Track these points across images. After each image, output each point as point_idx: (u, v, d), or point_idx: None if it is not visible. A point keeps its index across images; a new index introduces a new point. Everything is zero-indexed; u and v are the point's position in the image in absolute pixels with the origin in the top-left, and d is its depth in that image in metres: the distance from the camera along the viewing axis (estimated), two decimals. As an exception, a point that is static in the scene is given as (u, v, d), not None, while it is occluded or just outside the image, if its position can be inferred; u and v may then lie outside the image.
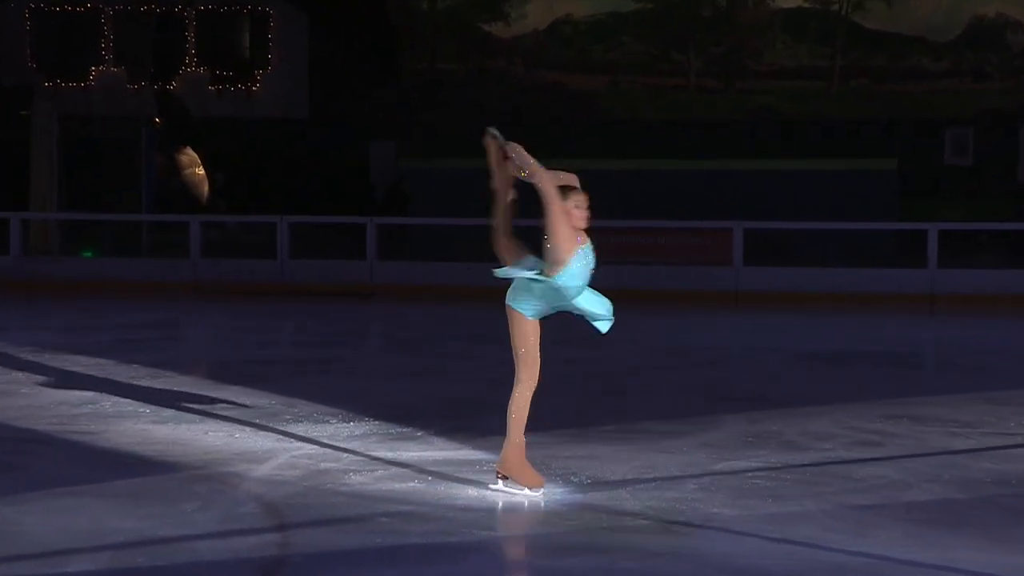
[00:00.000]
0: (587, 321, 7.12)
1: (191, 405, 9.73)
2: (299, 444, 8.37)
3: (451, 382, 11.48)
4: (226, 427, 8.90)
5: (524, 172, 6.86)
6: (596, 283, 7.05)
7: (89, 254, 22.06)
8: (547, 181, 6.81)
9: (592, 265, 6.93)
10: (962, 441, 8.69)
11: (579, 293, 6.89)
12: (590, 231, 6.95)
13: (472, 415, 9.55)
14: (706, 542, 6.30)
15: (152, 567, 5.82)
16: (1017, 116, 28.22)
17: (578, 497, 7.03)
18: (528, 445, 7.07)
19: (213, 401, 9.91)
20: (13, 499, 6.90)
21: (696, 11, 30.80)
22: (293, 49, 30.41)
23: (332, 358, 13.18)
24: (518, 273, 6.92)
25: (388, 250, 21.45)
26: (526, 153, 6.94)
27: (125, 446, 8.30)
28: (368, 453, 8.09)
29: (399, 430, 8.85)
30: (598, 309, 7.01)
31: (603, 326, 7.07)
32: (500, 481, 7.07)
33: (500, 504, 6.92)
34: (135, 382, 10.88)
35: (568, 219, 6.81)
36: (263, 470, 7.63)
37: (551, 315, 7.06)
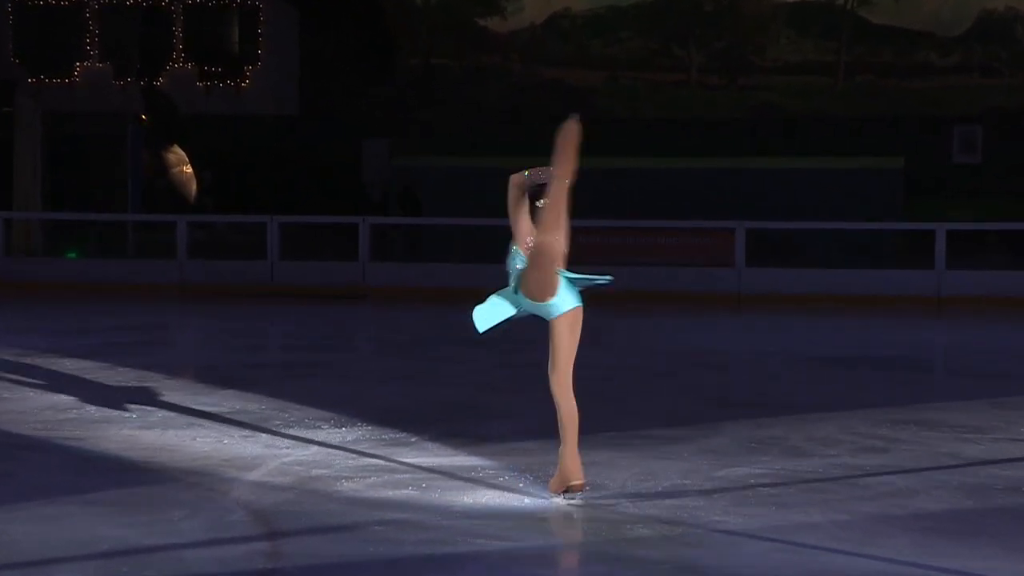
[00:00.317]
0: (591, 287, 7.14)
1: (178, 410, 9.73)
2: (290, 450, 8.37)
3: (446, 386, 11.48)
4: (214, 433, 8.90)
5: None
6: (594, 286, 7.05)
7: (73, 255, 22.06)
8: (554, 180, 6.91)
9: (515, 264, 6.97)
10: (971, 447, 8.70)
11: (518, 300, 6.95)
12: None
13: (467, 420, 9.55)
14: (708, 551, 6.30)
15: (138, 577, 5.81)
16: (1027, 113, 28.28)
17: (576, 505, 7.03)
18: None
19: (201, 406, 9.90)
20: (-5, 507, 6.90)
21: (697, 5, 30.86)
22: (283, 44, 30.42)
23: (323, 362, 13.18)
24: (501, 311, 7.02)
25: (390, 252, 21.49)
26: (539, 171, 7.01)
27: (111, 452, 8.29)
28: (361, 459, 8.09)
29: (392, 435, 8.85)
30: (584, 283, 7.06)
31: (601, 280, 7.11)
32: (567, 491, 7.08)
33: (497, 512, 6.92)
34: (121, 386, 10.88)
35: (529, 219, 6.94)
36: (253, 477, 7.63)
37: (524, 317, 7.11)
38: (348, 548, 6.28)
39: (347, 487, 7.38)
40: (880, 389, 11.60)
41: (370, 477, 7.61)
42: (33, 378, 11.26)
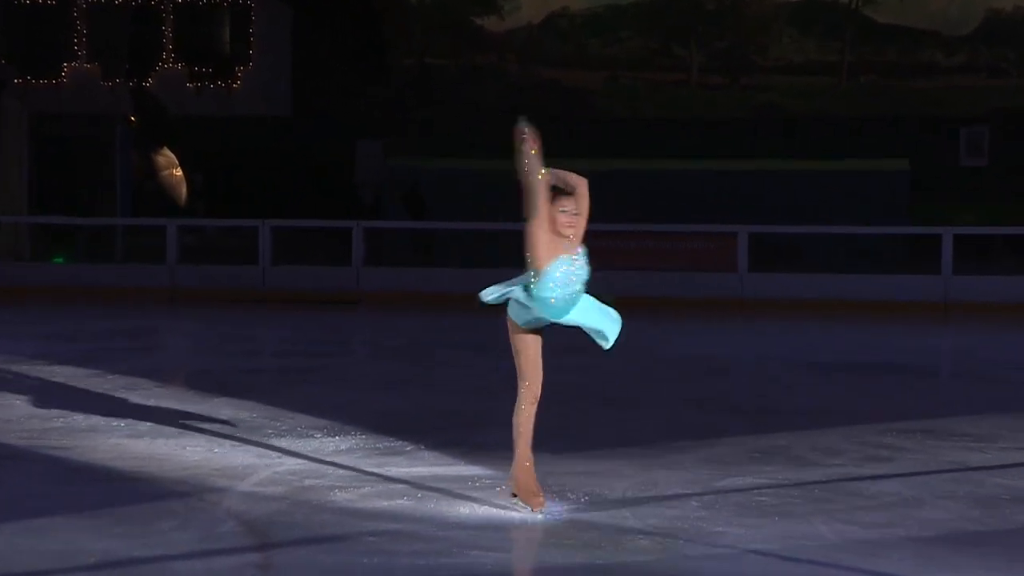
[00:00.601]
0: (590, 336, 7.10)
1: (168, 418, 9.72)
2: (282, 459, 8.37)
3: (442, 393, 11.48)
4: (205, 441, 8.89)
5: (524, 163, 6.82)
6: (591, 291, 7.04)
7: (61, 259, 22.06)
8: (536, 181, 6.77)
9: (581, 276, 6.86)
10: (978, 456, 8.70)
11: (565, 305, 6.83)
12: (586, 239, 6.90)
13: (464, 428, 9.54)
14: (710, 562, 6.30)
15: (127, 589, 5.81)
16: (1035, 114, 28.31)
17: (576, 515, 7.03)
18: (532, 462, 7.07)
19: (191, 414, 9.90)
20: (-19, 518, 6.89)
21: (698, 4, 30.89)
22: (276, 43, 30.42)
23: (317, 368, 13.18)
24: (496, 288, 6.93)
25: (398, 256, 21.49)
26: (535, 156, 6.87)
27: (99, 461, 8.29)
28: (355, 468, 8.08)
29: (387, 444, 8.85)
30: (598, 324, 6.97)
31: (605, 343, 7.03)
32: (514, 498, 7.08)
33: (494, 523, 6.91)
34: (109, 394, 10.87)
35: (550, 224, 6.76)
36: (244, 487, 7.63)
37: (553, 326, 7.03)
38: (341, 559, 6.27)
39: (341, 497, 7.37)
40: (885, 397, 11.61)
41: (364, 487, 7.61)
42: (19, 385, 11.25)
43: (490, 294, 7.00)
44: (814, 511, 7.16)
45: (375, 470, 8.04)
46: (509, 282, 6.96)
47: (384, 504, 7.23)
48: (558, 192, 6.83)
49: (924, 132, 27.58)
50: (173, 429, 9.32)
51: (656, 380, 12.57)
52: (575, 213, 6.82)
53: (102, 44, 30.35)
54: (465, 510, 7.11)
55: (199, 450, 8.62)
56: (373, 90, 30.39)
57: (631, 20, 30.79)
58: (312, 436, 9.10)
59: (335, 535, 6.65)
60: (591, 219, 6.94)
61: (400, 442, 8.89)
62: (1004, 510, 7.27)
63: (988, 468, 8.32)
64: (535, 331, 6.97)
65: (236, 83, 30.12)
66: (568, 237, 6.81)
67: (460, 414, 10.27)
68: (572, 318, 6.90)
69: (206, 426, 9.43)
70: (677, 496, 7.46)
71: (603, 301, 7.08)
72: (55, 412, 9.97)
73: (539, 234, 6.74)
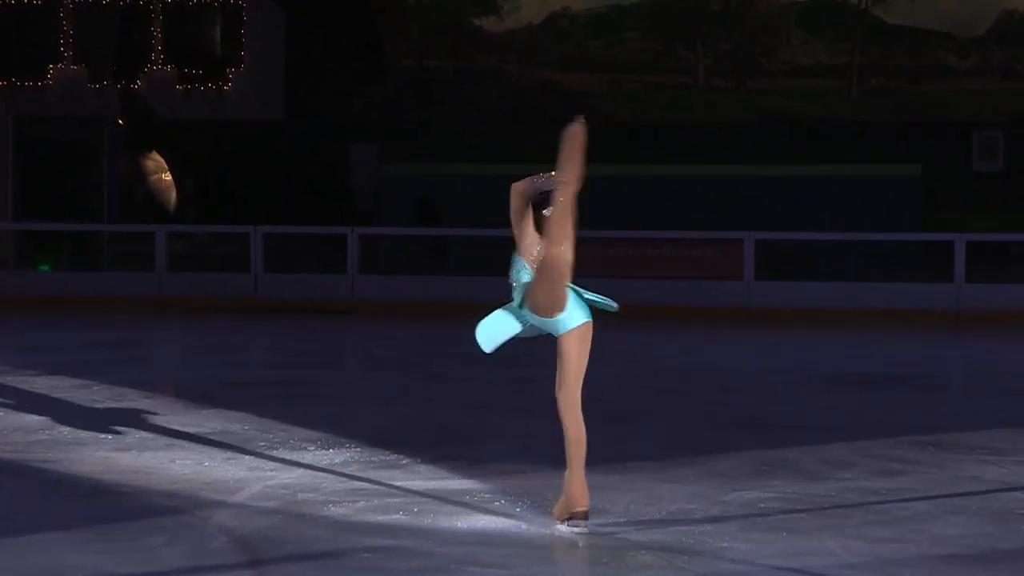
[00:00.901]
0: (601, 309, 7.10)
1: (157, 431, 9.72)
2: (274, 473, 8.37)
3: (439, 405, 11.48)
4: (195, 455, 8.89)
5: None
6: (600, 306, 7.04)
7: (46, 267, 22.05)
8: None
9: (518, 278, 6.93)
10: (992, 470, 8.70)
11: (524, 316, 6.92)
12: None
13: (462, 441, 9.55)
14: (715, 579, 6.30)
15: (114, 607, 5.81)
16: (1051, 118, 28.32)
17: (579, 527, 7.02)
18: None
19: (181, 426, 9.90)
20: (-37, 533, 6.89)
21: (703, 5, 30.90)
22: (268, 45, 30.43)
23: (310, 380, 13.18)
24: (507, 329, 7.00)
25: (412, 264, 21.49)
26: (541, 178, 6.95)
27: (85, 475, 8.28)
28: (349, 482, 8.08)
29: (383, 457, 8.85)
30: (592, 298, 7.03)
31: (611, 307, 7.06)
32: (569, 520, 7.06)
33: (493, 538, 6.91)
34: (96, 406, 10.87)
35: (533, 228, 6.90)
36: (235, 501, 7.63)
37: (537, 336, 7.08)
38: (335, 576, 6.28)
39: (335, 512, 7.37)
40: (896, 408, 11.61)
41: (359, 501, 7.60)
42: (3, 397, 11.25)
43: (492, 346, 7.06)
44: (823, 526, 7.16)
45: (370, 484, 8.03)
46: (504, 315, 7.02)
47: (379, 519, 7.23)
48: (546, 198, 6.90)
49: (936, 136, 27.57)
50: (162, 442, 9.32)
51: (660, 392, 12.57)
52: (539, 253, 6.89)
53: (89, 45, 30.34)
54: (463, 525, 7.11)
55: (188, 463, 8.62)
56: (369, 92, 30.39)
57: (634, 21, 30.79)
58: (305, 449, 9.10)
59: (329, 551, 6.65)
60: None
61: (396, 455, 8.89)
62: (1019, 526, 7.27)
63: (1003, 482, 8.32)
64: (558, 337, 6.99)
65: (227, 85, 30.12)
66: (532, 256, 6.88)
67: (458, 427, 10.27)
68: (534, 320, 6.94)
69: (196, 439, 9.43)
70: (681, 511, 7.46)
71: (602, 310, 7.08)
72: (39, 424, 9.96)
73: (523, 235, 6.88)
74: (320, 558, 6.54)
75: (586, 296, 6.96)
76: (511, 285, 6.97)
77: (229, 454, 8.91)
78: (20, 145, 24.27)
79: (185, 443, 9.29)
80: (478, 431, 10.01)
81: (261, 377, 13.98)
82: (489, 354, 7.11)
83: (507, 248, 7.14)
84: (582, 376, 6.95)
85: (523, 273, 6.90)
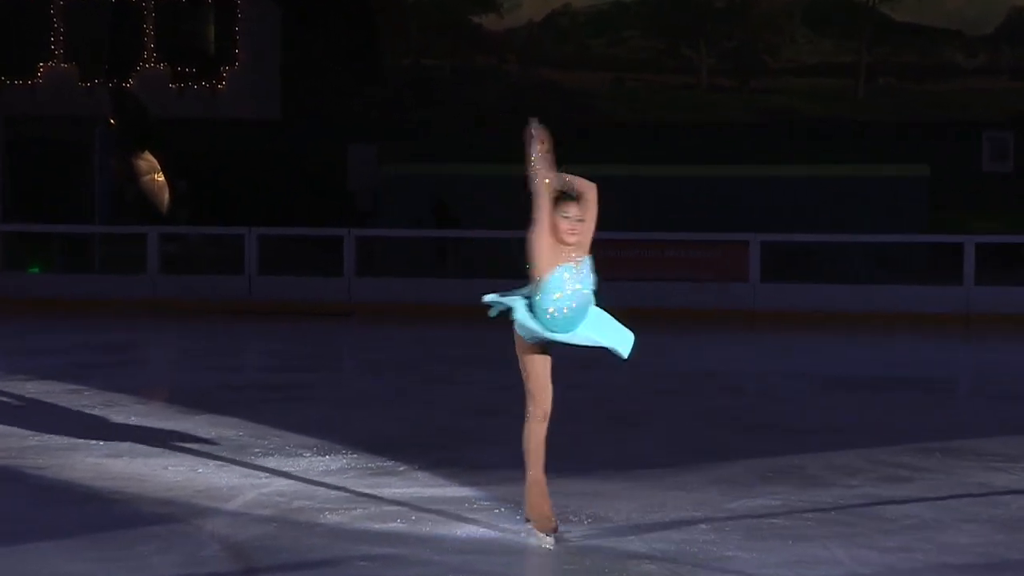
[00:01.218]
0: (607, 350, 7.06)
1: (149, 437, 9.71)
2: (269, 480, 8.36)
3: (437, 410, 11.48)
4: (188, 461, 8.88)
5: (530, 164, 6.79)
6: (599, 303, 7.02)
7: (36, 269, 22.05)
8: (541, 184, 6.73)
9: (585, 287, 6.81)
10: (1003, 477, 8.69)
11: (567, 320, 6.78)
12: (592, 248, 6.85)
13: (461, 447, 9.54)
14: (720, 588, 6.30)
15: (106, 616, 5.80)
16: (1061, 117, 28.32)
17: (578, 539, 7.02)
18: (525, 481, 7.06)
19: (173, 432, 9.89)
20: (-48, 541, 6.88)
21: (707, 2, 30.92)
22: (263, 42, 30.44)
23: (306, 384, 13.17)
24: (508, 301, 6.88)
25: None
26: (543, 154, 6.82)
27: (77, 482, 8.28)
28: (346, 489, 8.08)
29: (380, 464, 8.84)
30: (608, 341, 6.91)
31: (622, 351, 6.98)
32: (527, 521, 7.06)
33: (492, 547, 6.91)
34: (87, 411, 10.86)
35: (552, 231, 6.73)
36: (229, 508, 7.62)
37: (565, 344, 6.99)
38: (332, 585, 6.27)
39: (331, 519, 7.36)
40: (904, 413, 11.60)
41: (356, 509, 7.60)
42: (-7, 402, 11.25)
43: (491, 298, 6.98)
44: (829, 534, 7.15)
45: (367, 491, 8.03)
46: (513, 292, 6.94)
47: (376, 527, 7.22)
48: (563, 197, 6.78)
49: (944, 136, 27.58)
50: (154, 448, 9.31)
51: (663, 396, 12.57)
52: (578, 219, 6.75)
53: (80, 43, 30.37)
54: (462, 533, 7.11)
55: (182, 470, 8.61)
56: (367, 91, 30.42)
57: (636, 19, 30.82)
58: (301, 455, 9.09)
59: (325, 559, 6.64)
60: (598, 227, 6.91)
61: (393, 462, 8.88)
62: (1030, 533, 7.26)
63: (1013, 489, 8.31)
64: (543, 349, 6.93)
65: (221, 84, 30.14)
66: (570, 244, 6.77)
67: (457, 432, 10.27)
68: (579, 334, 6.85)
69: (189, 445, 9.42)
70: (685, 519, 7.45)
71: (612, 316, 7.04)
72: (30, 430, 9.96)
73: (540, 241, 6.71)
74: (316, 567, 6.54)
75: (598, 335, 6.90)
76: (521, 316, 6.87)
77: (223, 460, 8.90)
78: (10, 145, 24.30)
79: (178, 449, 9.28)
80: (477, 436, 10.01)
81: (256, 381, 13.97)
82: (486, 302, 7.02)
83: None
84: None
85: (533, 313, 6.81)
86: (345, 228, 20.99)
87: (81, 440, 9.58)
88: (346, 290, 20.14)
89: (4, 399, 11.40)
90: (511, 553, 6.83)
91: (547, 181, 6.74)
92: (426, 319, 18.83)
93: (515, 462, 8.88)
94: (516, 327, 6.89)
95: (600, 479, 8.38)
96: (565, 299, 6.73)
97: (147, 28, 30.23)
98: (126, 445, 9.41)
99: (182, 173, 27.21)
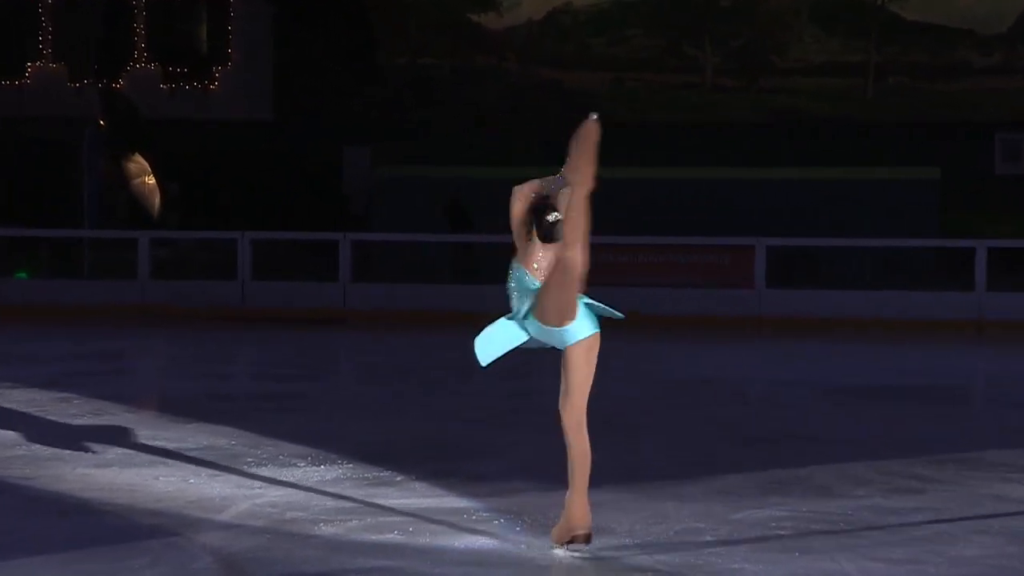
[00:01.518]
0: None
1: (139, 446, 9.71)
2: (262, 490, 8.36)
3: (435, 419, 11.48)
4: (179, 471, 8.89)
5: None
6: (606, 316, 7.02)
7: (23, 274, 22.06)
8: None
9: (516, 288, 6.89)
10: (1016, 488, 8.69)
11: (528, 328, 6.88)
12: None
13: (459, 456, 9.54)
14: (725, 602, 6.30)
15: (95, 631, 5.80)
16: (1076, 118, 28.32)
17: (580, 552, 7.02)
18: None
19: (164, 441, 9.89)
20: (-63, 553, 6.89)
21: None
22: (256, 42, 30.45)
23: (300, 393, 13.17)
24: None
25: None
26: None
27: (65, 493, 8.28)
28: (341, 500, 8.08)
29: (376, 474, 8.84)
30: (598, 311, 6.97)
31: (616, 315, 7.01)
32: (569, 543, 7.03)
33: (491, 559, 6.91)
34: (76, 420, 10.87)
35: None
36: (222, 520, 7.62)
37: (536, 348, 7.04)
38: (327, 599, 6.28)
39: (326, 531, 7.37)
40: (915, 423, 11.60)
41: (351, 520, 7.60)
42: (-22, 411, 11.25)
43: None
44: (837, 546, 7.15)
45: (363, 502, 8.03)
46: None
47: (373, 539, 7.22)
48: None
49: (956, 138, 27.58)
50: (145, 458, 9.31)
51: (666, 405, 12.57)
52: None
53: (69, 42, 30.38)
54: (460, 545, 7.11)
55: (173, 480, 8.61)
56: (363, 92, 30.42)
57: (639, 17, 30.79)
58: (295, 465, 9.09)
59: (320, 572, 6.64)
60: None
61: (390, 471, 8.88)
62: (1043, 546, 7.27)
63: (1026, 500, 8.32)
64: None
65: (214, 84, 30.15)
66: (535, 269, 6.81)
67: (455, 441, 10.27)
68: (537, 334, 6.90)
69: (180, 455, 9.43)
70: (689, 530, 7.45)
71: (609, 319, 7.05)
72: (17, 440, 9.96)
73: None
74: (310, 580, 6.55)
75: (593, 306, 6.92)
76: (510, 294, 6.92)
77: (215, 470, 8.90)
78: (-4, 146, 24.28)
79: (169, 459, 9.28)
80: (476, 446, 10.01)
81: (249, 390, 13.98)
82: (485, 367, 7.08)
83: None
84: (588, 390, 6.91)
85: (526, 280, 6.82)
86: (340, 232, 20.98)
87: (69, 450, 9.58)
88: (341, 296, 20.14)
89: (-10, 408, 11.41)
90: (512, 565, 6.84)
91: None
92: (423, 325, 18.83)
93: (515, 472, 8.90)
94: (589, 332, 6.86)
95: (601, 490, 8.37)
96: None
97: (138, 27, 30.23)
98: (116, 455, 9.42)
99: (173, 175, 27.17)
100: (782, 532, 7.44)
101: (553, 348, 6.97)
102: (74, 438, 9.99)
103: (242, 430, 10.36)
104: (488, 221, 21.12)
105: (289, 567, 6.70)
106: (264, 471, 8.89)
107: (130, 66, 30.17)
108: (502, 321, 6.99)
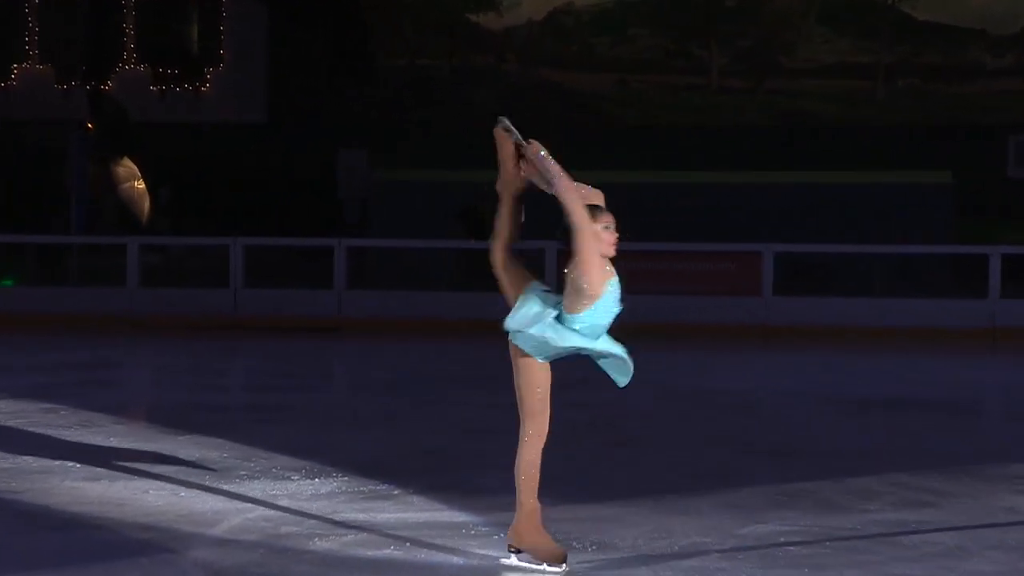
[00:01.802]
0: (599, 368, 7.06)
1: (129, 459, 9.72)
2: (255, 504, 8.37)
3: (432, 432, 11.48)
4: (170, 485, 8.89)
5: (546, 183, 6.78)
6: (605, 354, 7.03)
7: (9, 282, 22.05)
8: (575, 197, 6.66)
9: (619, 302, 6.80)
10: (1029, 501, 8.71)
11: (600, 335, 6.80)
12: (615, 262, 6.83)
13: (457, 470, 9.55)
14: (731, 619, 6.30)
15: (83, 649, 5.81)
16: (1091, 121, 28.33)
17: (582, 567, 7.03)
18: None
19: (154, 454, 9.89)
20: (-80, 569, 6.90)
21: (718, -1, 30.94)
22: (249, 42, 30.46)
23: (294, 404, 13.17)
24: (530, 318, 6.80)
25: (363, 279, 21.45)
26: (550, 158, 6.81)
27: (52, 507, 8.28)
28: (336, 514, 8.08)
29: (372, 487, 8.85)
30: (617, 351, 6.89)
31: (622, 379, 6.97)
32: (513, 555, 7.04)
33: (489, 574, 6.91)
34: (64, 432, 10.86)
35: (599, 245, 6.69)
36: (213, 535, 7.62)
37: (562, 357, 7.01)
38: (322, 616, 6.28)
39: (321, 546, 7.37)
40: (926, 434, 11.61)
41: (347, 535, 7.61)
42: (-37, 422, 11.25)
43: (521, 323, 6.88)
44: (847, 562, 7.16)
45: (358, 516, 8.04)
46: (534, 308, 6.86)
47: (369, 554, 7.23)
48: (595, 209, 6.75)
49: (969, 141, 27.59)
50: (134, 471, 9.31)
51: (671, 416, 12.57)
52: (617, 230, 6.76)
53: (56, 43, 30.40)
54: (459, 560, 7.11)
55: (163, 494, 8.62)
56: (359, 93, 30.45)
57: (643, 17, 30.82)
58: (289, 479, 9.10)
59: (314, 589, 6.65)
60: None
61: (386, 485, 8.89)
62: (1058, 561, 7.27)
63: (1041, 515, 8.33)
64: (549, 364, 6.94)
65: (205, 86, 30.18)
66: (609, 259, 6.77)
67: (453, 454, 10.27)
68: (598, 346, 6.84)
69: (171, 468, 9.43)
70: (694, 545, 7.46)
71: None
72: (3, 453, 9.96)
73: (595, 258, 6.63)
74: (305, 596, 6.55)
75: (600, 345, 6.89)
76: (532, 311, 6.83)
77: (206, 484, 8.90)
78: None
79: (159, 472, 9.28)
80: (475, 458, 10.01)
81: (241, 400, 13.98)
82: (508, 328, 6.94)
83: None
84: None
85: (542, 297, 6.81)
86: (336, 238, 20.99)
87: (57, 463, 9.58)
88: (336, 304, 20.14)
89: (-25, 419, 11.42)
90: (511, 582, 6.85)
91: (570, 190, 6.69)
92: (420, 334, 18.83)
93: (513, 486, 8.89)
94: (520, 342, 6.85)
95: (604, 504, 8.39)
96: (609, 314, 6.75)
97: (127, 27, 30.25)
98: (105, 468, 9.42)
99: (164, 180, 27.23)
100: (790, 547, 7.44)
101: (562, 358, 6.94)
102: (62, 450, 9.99)
103: (234, 442, 10.36)
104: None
105: (283, 583, 6.71)
106: (257, 484, 8.90)
107: (119, 67, 30.19)
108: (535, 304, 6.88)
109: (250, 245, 20.78)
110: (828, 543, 7.55)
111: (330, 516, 8.05)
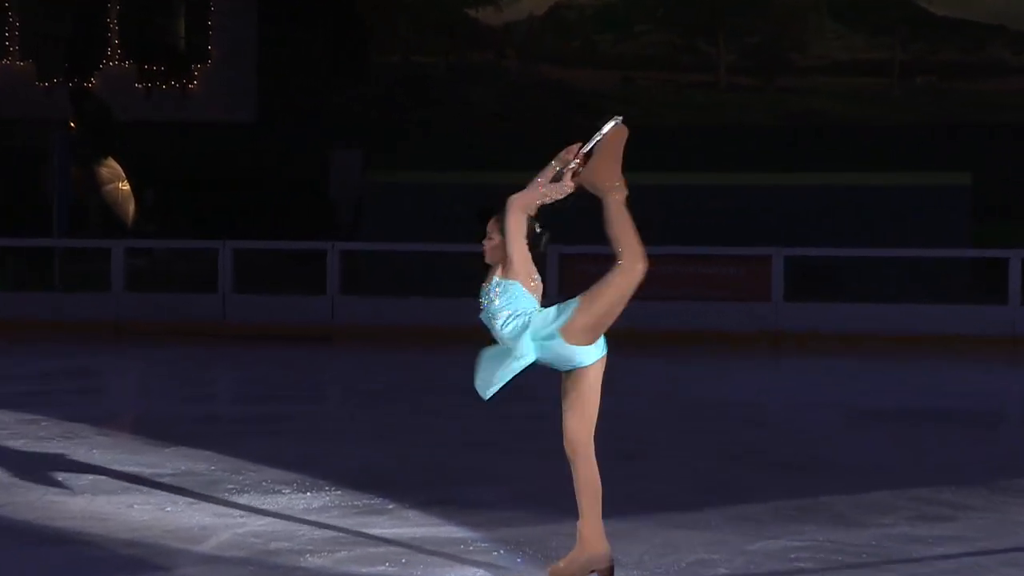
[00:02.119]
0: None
1: (113, 472, 9.72)
2: (244, 519, 8.37)
3: (429, 444, 11.48)
4: (156, 498, 8.89)
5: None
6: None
7: (-10, 288, 22.07)
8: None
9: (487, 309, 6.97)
10: (1051, 515, 8.71)
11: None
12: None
13: (454, 483, 9.55)
14: (740, 638, 6.30)
15: (65, 669, 5.81)
16: (1116, 119, 28.32)
17: (585, 584, 7.03)
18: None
19: (139, 467, 9.90)
20: None
21: (726, -7, 30.94)
22: (238, 39, 30.47)
23: (285, 414, 13.18)
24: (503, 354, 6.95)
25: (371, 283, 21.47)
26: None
27: (34, 522, 8.28)
28: (328, 529, 8.08)
29: (366, 501, 8.85)
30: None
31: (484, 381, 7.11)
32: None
33: (489, 592, 6.92)
34: (45, 444, 10.87)
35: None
36: (201, 551, 7.63)
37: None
38: (313, 635, 6.28)
39: (313, 563, 7.37)
40: (944, 446, 11.61)
41: (340, 551, 7.61)
42: (-59, 433, 11.25)
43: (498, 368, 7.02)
44: (861, 579, 7.16)
45: (352, 531, 8.04)
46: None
47: (363, 571, 7.23)
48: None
49: (988, 141, 27.60)
50: (119, 484, 9.32)
51: (677, 427, 12.57)
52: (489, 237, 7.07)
53: (37, 39, 30.42)
54: (456, 578, 7.12)
55: (148, 508, 8.62)
56: (353, 92, 30.46)
57: (648, 13, 30.81)
58: (279, 492, 9.10)
59: (306, 607, 6.65)
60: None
61: (381, 499, 8.89)
62: (1081, 578, 7.27)
63: (1063, 530, 8.32)
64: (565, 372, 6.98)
65: (192, 83, 30.19)
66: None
67: (450, 467, 10.28)
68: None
69: (157, 481, 9.43)
70: (701, 562, 7.46)
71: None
72: (-18, 464, 9.97)
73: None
74: (296, 615, 6.55)
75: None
76: (497, 316, 6.91)
77: (194, 498, 8.91)
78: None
79: (145, 486, 9.29)
80: (473, 472, 10.01)
81: (230, 411, 13.99)
82: (487, 399, 7.10)
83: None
84: (596, 414, 6.97)
85: (522, 299, 6.88)
86: (329, 241, 20.99)
87: (38, 476, 9.58)
88: (329, 310, 20.14)
89: (-47, 430, 11.42)
90: (510, 600, 6.85)
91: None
92: (416, 343, 18.84)
93: (513, 500, 8.90)
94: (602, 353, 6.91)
95: (609, 518, 8.37)
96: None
97: (111, 22, 30.26)
98: (88, 481, 9.42)
99: (149, 181, 27.23)
100: (802, 564, 7.44)
101: (553, 369, 6.98)
102: (44, 463, 9.99)
103: (222, 454, 10.36)
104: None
105: (273, 601, 6.71)
106: (246, 498, 8.90)
107: (103, 64, 30.20)
108: (494, 350, 7.01)
109: (239, 248, 20.79)
110: (842, 560, 7.55)
111: (323, 531, 8.05)
